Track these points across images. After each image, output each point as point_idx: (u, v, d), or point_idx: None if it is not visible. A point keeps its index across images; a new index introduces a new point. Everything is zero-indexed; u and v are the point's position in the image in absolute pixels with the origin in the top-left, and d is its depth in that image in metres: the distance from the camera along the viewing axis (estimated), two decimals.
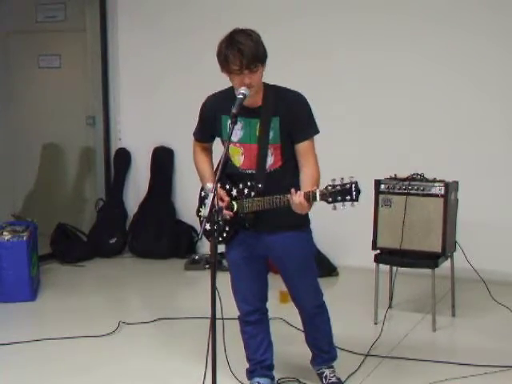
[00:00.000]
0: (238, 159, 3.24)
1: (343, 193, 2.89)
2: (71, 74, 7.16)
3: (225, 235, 3.30)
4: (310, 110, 3.24)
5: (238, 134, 3.20)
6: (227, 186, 3.27)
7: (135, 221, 6.77)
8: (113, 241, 6.64)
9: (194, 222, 6.53)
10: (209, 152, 3.45)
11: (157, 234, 6.55)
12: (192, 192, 6.50)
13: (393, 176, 4.57)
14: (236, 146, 3.22)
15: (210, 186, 3.23)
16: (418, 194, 4.42)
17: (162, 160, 6.78)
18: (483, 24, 5.45)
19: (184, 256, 6.35)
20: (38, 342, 4.29)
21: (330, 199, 2.90)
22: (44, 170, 7.42)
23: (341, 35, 5.89)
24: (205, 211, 2.81)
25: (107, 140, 7.01)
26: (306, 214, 3.22)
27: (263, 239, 3.27)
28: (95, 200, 7.02)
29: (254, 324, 3.46)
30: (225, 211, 3.12)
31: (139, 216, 6.76)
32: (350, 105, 5.89)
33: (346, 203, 2.90)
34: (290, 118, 3.16)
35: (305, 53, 5.93)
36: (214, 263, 2.82)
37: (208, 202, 2.79)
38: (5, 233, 5.24)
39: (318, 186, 3.07)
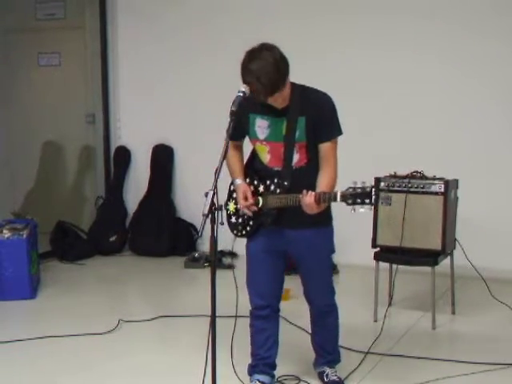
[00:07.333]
0: (265, 157, 3.30)
1: (363, 196, 2.93)
2: (71, 71, 7.16)
3: (248, 229, 3.36)
4: (335, 111, 3.27)
5: (264, 132, 3.25)
6: (255, 182, 3.33)
7: (135, 219, 6.78)
8: (113, 239, 6.64)
9: (194, 220, 6.55)
10: (240, 149, 3.47)
11: (157, 232, 6.55)
12: (192, 190, 6.58)
13: (392, 174, 4.57)
14: (262, 144, 3.28)
15: (238, 181, 3.32)
16: (417, 192, 4.41)
17: (162, 158, 6.78)
18: (485, 24, 5.45)
19: (184, 254, 6.34)
20: (37, 340, 4.28)
21: (350, 201, 2.94)
22: (44, 167, 7.43)
23: (337, 35, 5.90)
24: (204, 209, 2.80)
25: (107, 138, 7.02)
26: (328, 212, 3.33)
27: (285, 234, 3.30)
28: (95, 198, 7.03)
29: (264, 319, 3.47)
30: (246, 210, 3.25)
31: (139, 214, 6.76)
32: (349, 103, 5.86)
33: (365, 206, 2.94)
34: (316, 118, 3.19)
35: (303, 52, 5.91)
36: (213, 261, 2.82)
37: (208, 199, 2.78)
38: (5, 231, 5.23)
39: (333, 189, 3.11)
